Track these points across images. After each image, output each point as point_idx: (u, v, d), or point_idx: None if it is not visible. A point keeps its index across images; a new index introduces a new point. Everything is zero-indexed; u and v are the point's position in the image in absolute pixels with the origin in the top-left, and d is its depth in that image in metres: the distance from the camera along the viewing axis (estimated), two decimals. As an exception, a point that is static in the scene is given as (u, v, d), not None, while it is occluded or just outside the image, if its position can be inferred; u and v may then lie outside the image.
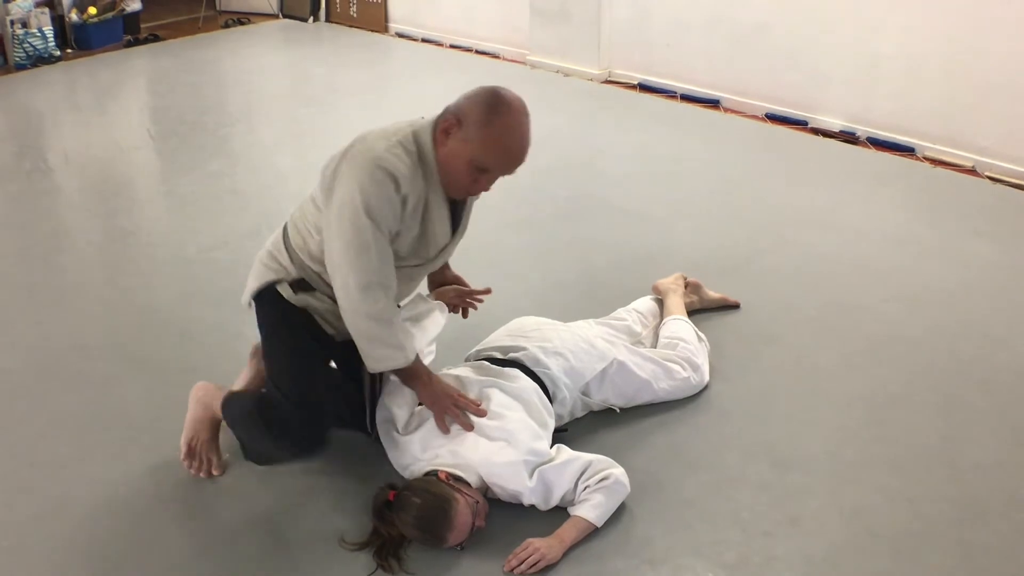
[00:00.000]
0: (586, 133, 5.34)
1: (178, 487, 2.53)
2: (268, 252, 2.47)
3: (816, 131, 5.38)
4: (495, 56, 6.86)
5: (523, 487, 2.28)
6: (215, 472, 2.52)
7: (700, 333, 3.03)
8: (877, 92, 5.14)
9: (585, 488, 2.30)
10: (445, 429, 2.36)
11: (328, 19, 7.94)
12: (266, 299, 2.42)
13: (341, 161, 2.22)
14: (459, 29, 7.12)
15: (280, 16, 8.13)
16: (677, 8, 5.86)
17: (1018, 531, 2.36)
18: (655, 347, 2.98)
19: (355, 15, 7.70)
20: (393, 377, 2.49)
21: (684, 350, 2.89)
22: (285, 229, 2.45)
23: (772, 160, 4.96)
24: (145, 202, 4.64)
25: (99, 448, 2.70)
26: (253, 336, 2.59)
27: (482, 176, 2.24)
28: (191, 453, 2.52)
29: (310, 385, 2.37)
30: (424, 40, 7.32)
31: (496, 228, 3.98)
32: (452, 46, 7.15)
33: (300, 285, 2.40)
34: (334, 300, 2.33)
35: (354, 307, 2.25)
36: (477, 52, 6.95)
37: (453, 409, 2.37)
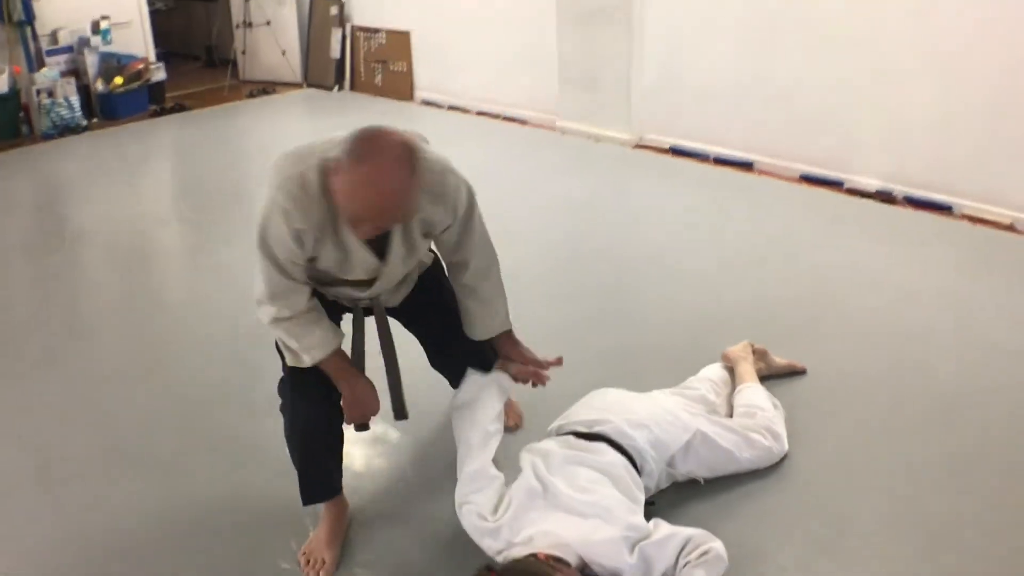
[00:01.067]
0: (623, 198, 5.41)
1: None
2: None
3: (852, 191, 5.45)
4: (523, 122, 6.97)
5: (624, 564, 2.24)
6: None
7: (775, 400, 3.04)
8: (912, 150, 5.20)
9: (686, 564, 2.26)
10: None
11: (353, 88, 8.09)
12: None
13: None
14: (486, 96, 7.24)
15: (304, 85, 8.28)
16: (706, 72, 5.97)
17: None
18: (731, 416, 2.98)
19: (380, 84, 7.84)
20: (469, 467, 2.50)
21: (763, 418, 2.89)
22: None
23: (812, 221, 5.00)
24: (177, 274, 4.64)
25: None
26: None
27: (361, 224, 2.14)
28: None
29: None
30: (450, 107, 7.45)
31: (547, 299, 4.00)
32: (479, 113, 7.27)
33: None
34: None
35: (259, 312, 2.37)
36: (505, 119, 7.06)
37: (358, 415, 2.44)
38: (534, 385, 2.71)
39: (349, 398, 2.42)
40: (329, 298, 2.52)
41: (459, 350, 2.68)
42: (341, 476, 2.62)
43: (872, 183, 5.43)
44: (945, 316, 3.86)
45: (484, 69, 7.21)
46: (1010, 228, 4.89)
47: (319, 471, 2.55)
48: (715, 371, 3.19)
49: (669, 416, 2.70)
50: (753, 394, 3.01)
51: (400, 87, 7.69)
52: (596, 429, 2.60)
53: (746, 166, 5.89)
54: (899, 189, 5.32)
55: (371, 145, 2.07)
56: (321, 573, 2.49)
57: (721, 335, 3.47)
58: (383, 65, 7.77)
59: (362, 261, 2.32)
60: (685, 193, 5.46)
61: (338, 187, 2.08)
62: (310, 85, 8.26)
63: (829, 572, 2.44)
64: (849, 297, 4.04)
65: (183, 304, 4.22)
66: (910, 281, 4.20)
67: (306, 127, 7.19)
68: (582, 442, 2.56)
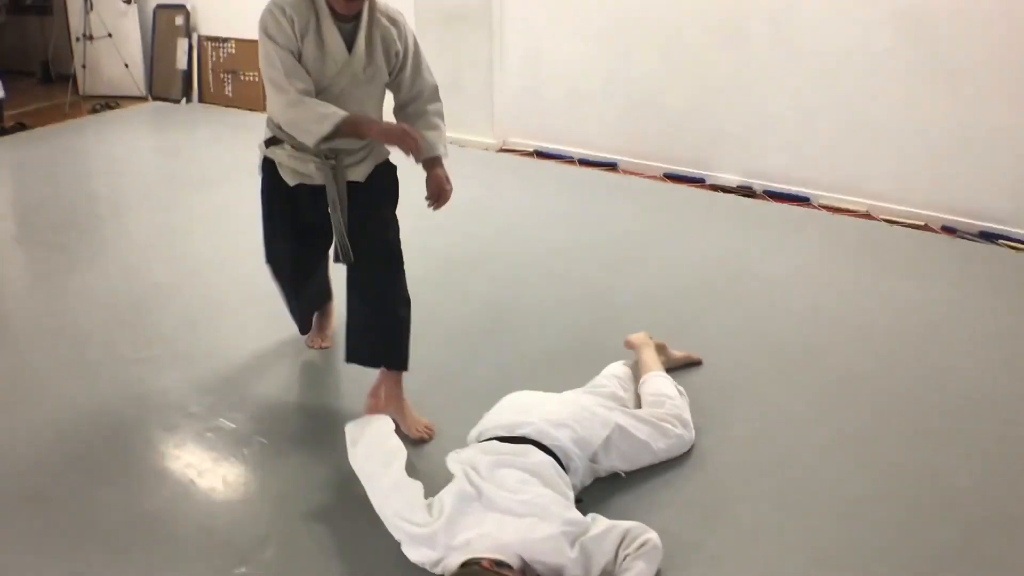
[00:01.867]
0: (496, 203, 5.28)
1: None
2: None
3: (715, 187, 5.55)
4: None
5: (566, 559, 2.17)
6: None
7: (680, 387, 3.01)
8: (771, 146, 5.36)
9: (626, 557, 2.21)
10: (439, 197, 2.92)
11: (201, 100, 7.71)
12: (263, 170, 3.07)
13: None
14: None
15: (149, 99, 7.84)
16: (569, 76, 5.98)
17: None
18: (640, 407, 2.92)
19: (230, 94, 7.50)
20: (384, 486, 2.44)
21: (671, 407, 2.86)
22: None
23: (682, 218, 5.05)
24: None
25: None
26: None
27: None
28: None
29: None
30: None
31: (436, 309, 3.83)
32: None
33: (271, 141, 2.99)
34: (293, 147, 2.91)
35: (277, 108, 2.77)
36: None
37: (408, 137, 2.74)
38: (436, 205, 3.01)
39: (388, 129, 2.81)
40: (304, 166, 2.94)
41: (367, 246, 2.95)
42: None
43: (733, 179, 5.56)
44: (820, 300, 3.95)
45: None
46: (867, 216, 5.09)
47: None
48: (618, 368, 3.13)
49: (587, 413, 2.65)
50: (660, 383, 2.98)
51: (252, 97, 7.36)
52: (519, 432, 2.53)
53: (611, 166, 5.93)
54: (759, 183, 5.47)
55: None
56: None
57: (615, 334, 3.43)
58: (233, 75, 7.44)
59: (335, 52, 2.78)
60: (555, 195, 5.41)
61: None
62: (156, 98, 7.82)
63: (764, 555, 2.43)
64: (728, 288, 4.09)
65: (51, 331, 3.84)
66: (781, 269, 4.29)
67: (153, 142, 6.80)
68: (507, 446, 2.48)
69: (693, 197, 5.44)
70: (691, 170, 5.66)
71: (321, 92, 2.80)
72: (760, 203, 5.32)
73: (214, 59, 7.51)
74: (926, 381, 3.29)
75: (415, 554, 2.28)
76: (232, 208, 5.08)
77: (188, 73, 7.68)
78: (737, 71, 5.34)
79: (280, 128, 2.90)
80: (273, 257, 3.25)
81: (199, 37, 7.63)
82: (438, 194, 2.98)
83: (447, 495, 2.33)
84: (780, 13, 5.10)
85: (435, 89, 3.04)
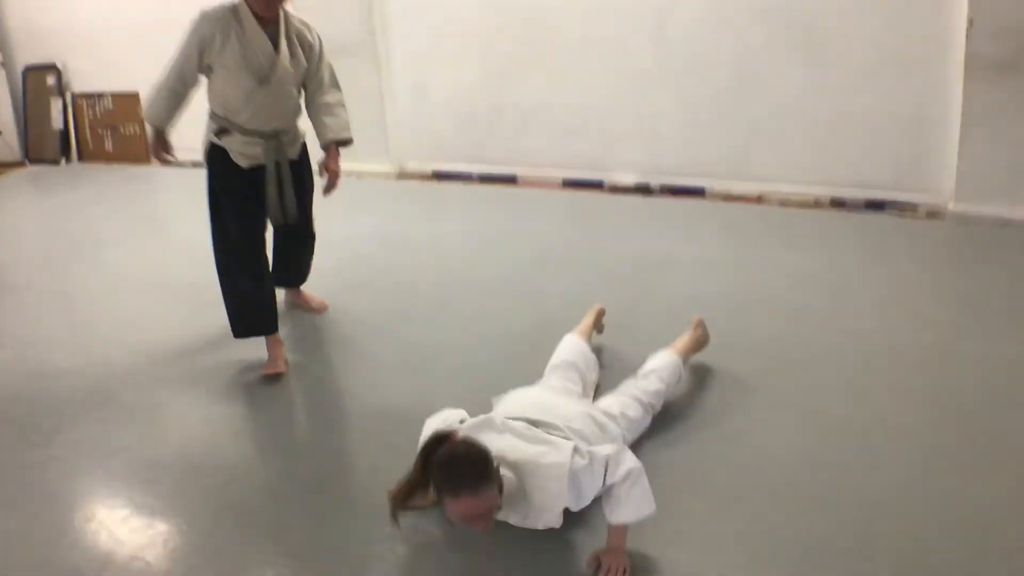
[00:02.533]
0: (408, 228, 5.28)
1: None
2: (206, 124, 3.51)
3: (613, 188, 5.72)
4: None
5: (564, 488, 2.30)
6: None
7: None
8: (662, 143, 5.54)
9: (613, 485, 2.32)
10: None
11: (81, 158, 7.49)
12: (208, 159, 3.51)
13: None
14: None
15: (26, 163, 7.56)
16: (459, 99, 6.07)
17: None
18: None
19: (111, 150, 7.31)
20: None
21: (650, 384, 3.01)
22: (209, 109, 3.48)
23: (581, 220, 5.20)
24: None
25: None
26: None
27: None
28: None
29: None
30: (196, 164, 6.97)
31: (375, 333, 3.89)
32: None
33: (221, 132, 3.44)
34: (241, 133, 3.41)
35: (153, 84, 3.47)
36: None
37: (161, 158, 3.61)
38: (325, 191, 3.69)
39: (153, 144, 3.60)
40: (252, 145, 3.44)
41: (297, 228, 3.74)
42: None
43: (629, 179, 5.74)
44: (729, 283, 4.13)
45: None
46: (758, 200, 5.32)
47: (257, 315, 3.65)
48: (569, 350, 3.15)
49: (595, 428, 2.65)
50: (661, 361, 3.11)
51: (135, 151, 7.19)
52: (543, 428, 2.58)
53: (510, 180, 6.03)
54: (655, 180, 5.66)
55: None
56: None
57: (557, 337, 3.40)
58: (113, 130, 7.25)
59: (260, 46, 3.32)
60: (462, 213, 5.50)
61: None
62: (33, 161, 7.54)
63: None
64: (653, 280, 4.22)
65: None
66: (687, 258, 4.46)
67: (35, 208, 6.53)
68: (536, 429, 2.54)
69: (593, 200, 5.61)
70: (589, 174, 5.82)
71: (262, 85, 3.36)
72: (658, 199, 5.51)
73: (91, 115, 7.31)
74: (842, 341, 3.49)
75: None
76: (129, 272, 4.89)
77: (65, 132, 7.45)
78: (622, 75, 5.52)
79: (228, 119, 3.42)
80: (227, 242, 3.53)
81: (73, 95, 7.42)
82: (331, 179, 3.68)
83: (471, 420, 2.59)
84: (658, 15, 5.31)
85: (335, 80, 3.70)
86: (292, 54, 3.44)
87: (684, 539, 2.46)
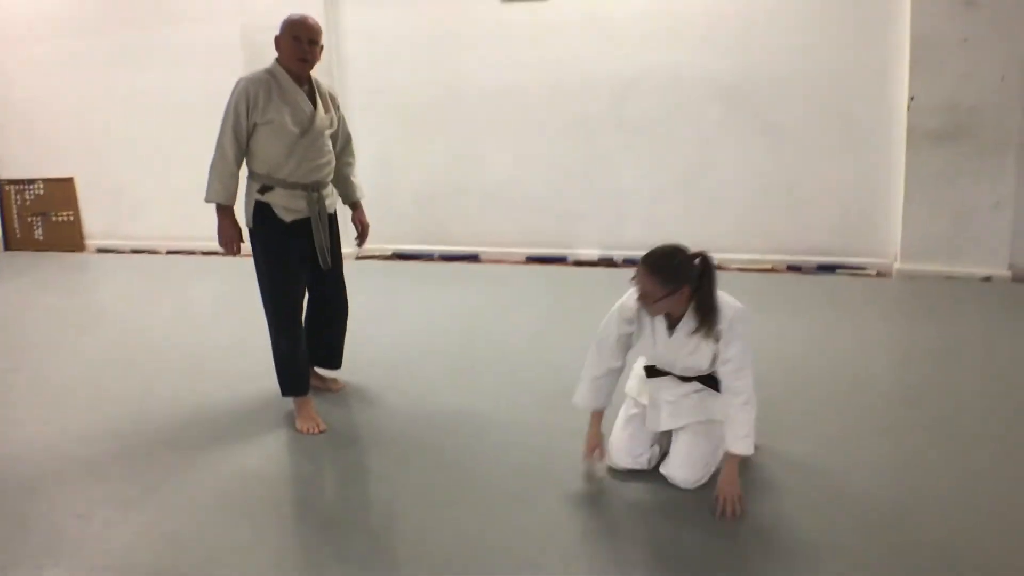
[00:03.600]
0: (373, 307, 5.24)
1: None
2: (245, 193, 3.49)
3: (578, 263, 5.94)
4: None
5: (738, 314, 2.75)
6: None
7: None
8: (626, 219, 5.85)
9: (739, 391, 2.71)
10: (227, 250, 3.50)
11: (8, 247, 7.14)
12: (256, 219, 3.48)
13: None
14: (178, 233, 6.78)
15: (-60, 256, 7.13)
16: (422, 181, 6.24)
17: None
18: None
19: (41, 237, 7.00)
20: None
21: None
22: (248, 172, 3.50)
23: (544, 292, 5.35)
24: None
25: None
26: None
27: (300, 43, 3.40)
28: None
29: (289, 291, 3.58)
30: (134, 251, 6.87)
31: (380, 408, 3.86)
32: (171, 252, 6.78)
33: (265, 189, 3.48)
34: (285, 188, 3.47)
35: (214, 155, 3.45)
36: (204, 253, 6.66)
37: (229, 250, 3.51)
38: (359, 242, 3.86)
39: (223, 228, 3.48)
40: (298, 198, 3.49)
41: (331, 278, 3.75)
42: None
43: (593, 252, 5.98)
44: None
45: (171, 205, 6.78)
46: (720, 267, 5.60)
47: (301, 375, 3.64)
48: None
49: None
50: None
51: (67, 238, 6.92)
52: None
53: (472, 258, 6.17)
54: (618, 253, 5.93)
55: (290, 14, 3.49)
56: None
57: (555, 405, 3.48)
58: (43, 217, 6.97)
59: (300, 103, 3.46)
60: (421, 289, 5.52)
61: (283, 31, 3.40)
62: (-54, 254, 7.13)
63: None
64: None
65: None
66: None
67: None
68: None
69: (559, 275, 5.79)
70: (552, 251, 6.03)
71: (303, 136, 3.48)
72: (621, 270, 5.75)
73: (19, 202, 7.01)
74: (838, 391, 3.67)
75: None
76: (67, 376, 4.32)
77: (-13, 222, 7.11)
78: (585, 154, 5.85)
79: (271, 176, 3.50)
80: (281, 295, 3.58)
81: (1, 181, 7.11)
82: (364, 231, 3.88)
83: None
84: (618, 97, 5.69)
85: (351, 142, 3.86)
86: (326, 109, 3.62)
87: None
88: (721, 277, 3.35)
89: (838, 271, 5.53)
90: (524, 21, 5.79)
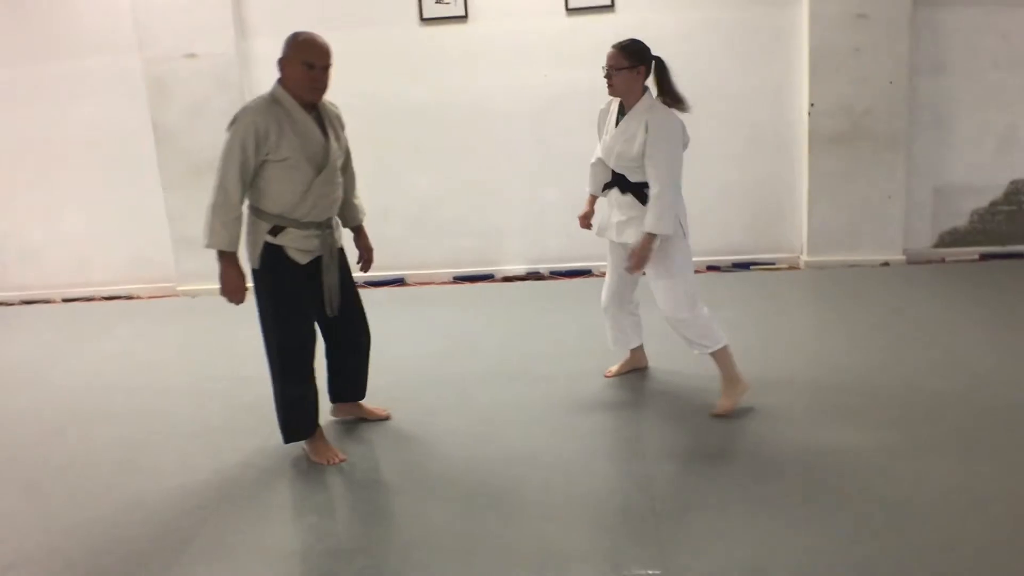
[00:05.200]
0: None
1: None
2: (248, 230, 3.30)
3: (506, 279, 6.08)
4: (131, 297, 6.28)
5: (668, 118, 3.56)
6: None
7: None
8: (549, 233, 6.03)
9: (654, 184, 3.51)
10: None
11: None
12: (265, 262, 3.29)
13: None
14: (73, 280, 6.36)
15: None
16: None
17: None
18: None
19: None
20: None
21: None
22: (251, 207, 3.30)
23: (474, 310, 5.44)
24: None
25: None
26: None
27: (312, 70, 3.23)
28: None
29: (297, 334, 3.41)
30: (25, 302, 6.35)
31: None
32: (67, 300, 6.32)
33: (276, 230, 3.28)
34: (299, 228, 3.28)
35: (212, 193, 3.18)
36: (105, 299, 6.28)
37: (234, 299, 3.28)
38: (364, 268, 3.72)
39: (225, 281, 3.26)
40: (312, 232, 3.32)
41: (347, 300, 3.58)
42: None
43: (520, 268, 6.13)
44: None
45: (67, 251, 6.36)
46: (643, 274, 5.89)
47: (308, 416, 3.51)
48: None
49: None
50: None
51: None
52: None
53: (398, 282, 6.15)
54: (544, 267, 6.11)
55: (292, 34, 3.28)
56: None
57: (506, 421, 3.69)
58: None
59: (313, 135, 3.26)
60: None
61: (292, 54, 3.21)
62: None
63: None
64: (542, 353, 4.52)
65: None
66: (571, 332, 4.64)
67: None
68: None
69: (485, 291, 5.90)
70: (479, 269, 6.11)
71: (319, 174, 3.28)
72: (548, 283, 5.93)
73: None
74: (770, 373, 4.05)
75: None
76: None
77: None
78: (507, 173, 6.00)
79: (283, 216, 3.28)
80: (291, 342, 3.39)
81: None
82: (368, 256, 3.75)
83: None
84: (539, 117, 5.89)
85: (351, 158, 3.68)
86: (336, 136, 3.40)
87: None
88: (643, 280, 3.86)
89: (752, 267, 5.97)
90: (443, 43, 5.86)
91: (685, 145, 3.60)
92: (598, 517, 2.93)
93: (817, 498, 2.93)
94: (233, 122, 3.17)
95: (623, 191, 3.69)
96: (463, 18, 5.73)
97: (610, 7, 5.67)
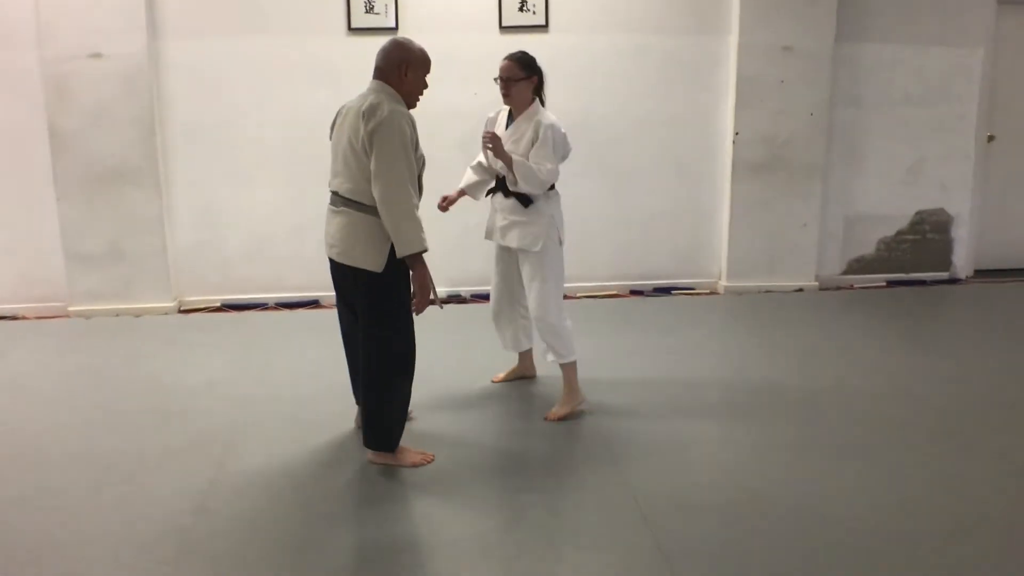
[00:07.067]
0: (256, 363, 4.85)
1: None
2: (364, 235, 3.26)
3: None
4: (14, 318, 5.70)
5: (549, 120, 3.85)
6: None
7: None
8: (471, 255, 5.79)
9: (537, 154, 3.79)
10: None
11: None
12: (393, 260, 3.27)
13: (369, 130, 3.17)
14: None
15: None
16: (252, 224, 5.86)
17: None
18: None
19: None
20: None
21: None
22: (357, 221, 3.27)
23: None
24: None
25: None
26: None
27: (426, 77, 3.46)
28: None
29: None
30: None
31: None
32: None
33: None
34: None
35: (401, 198, 3.16)
36: (4, 319, 5.68)
37: (422, 304, 3.33)
38: (416, 311, 3.44)
39: (430, 285, 3.33)
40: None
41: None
42: None
43: (441, 290, 5.85)
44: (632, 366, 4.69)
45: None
46: (568, 296, 5.85)
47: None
48: None
49: None
50: None
51: None
52: None
53: (312, 303, 5.86)
54: (466, 289, 5.98)
55: (410, 42, 3.41)
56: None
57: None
58: None
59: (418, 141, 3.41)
60: (257, 344, 5.09)
61: (418, 65, 3.36)
62: None
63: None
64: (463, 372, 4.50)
65: None
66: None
67: None
68: None
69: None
70: (398, 290, 5.86)
71: (422, 172, 3.42)
72: (471, 306, 5.80)
73: None
74: (684, 383, 4.28)
75: None
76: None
77: None
78: (432, 196, 5.64)
79: None
80: (413, 340, 3.45)
81: None
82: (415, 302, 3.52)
83: None
84: (468, 137, 5.63)
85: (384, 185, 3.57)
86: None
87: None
88: (570, 304, 3.79)
89: (673, 292, 6.03)
90: (371, 55, 5.53)
91: (565, 156, 3.92)
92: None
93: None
94: (383, 119, 3.15)
95: (506, 195, 3.92)
96: (393, 29, 5.56)
97: (544, 27, 5.66)
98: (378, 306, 3.33)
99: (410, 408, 3.70)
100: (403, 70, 3.30)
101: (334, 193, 3.34)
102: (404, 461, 3.43)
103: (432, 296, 3.33)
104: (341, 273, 3.38)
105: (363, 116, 3.18)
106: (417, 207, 3.20)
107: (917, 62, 6.00)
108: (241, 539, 2.89)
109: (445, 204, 4.19)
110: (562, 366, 3.91)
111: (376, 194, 3.16)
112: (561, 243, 3.91)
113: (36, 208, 5.65)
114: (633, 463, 3.42)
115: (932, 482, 3.25)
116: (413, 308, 3.35)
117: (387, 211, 3.14)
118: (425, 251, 3.22)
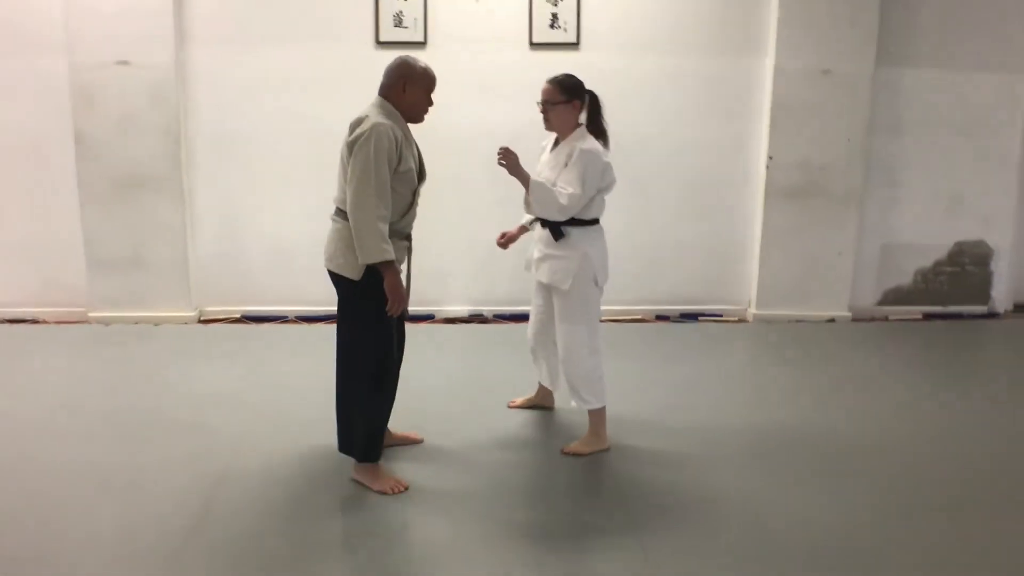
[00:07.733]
0: (272, 379, 4.81)
1: None
2: (346, 243, 3.29)
3: (448, 320, 5.82)
4: (35, 321, 5.71)
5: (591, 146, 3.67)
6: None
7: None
8: (497, 274, 5.81)
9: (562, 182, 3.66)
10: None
11: None
12: (373, 272, 3.26)
13: (349, 142, 3.25)
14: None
15: None
16: (274, 235, 5.81)
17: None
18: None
19: None
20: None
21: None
22: (341, 229, 3.34)
23: (431, 349, 5.17)
24: None
25: None
26: None
27: (430, 95, 3.47)
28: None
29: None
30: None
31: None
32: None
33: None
34: (399, 238, 3.38)
35: (368, 212, 3.16)
36: (7, 322, 5.68)
37: (395, 306, 3.29)
38: (391, 314, 3.40)
39: (399, 291, 3.29)
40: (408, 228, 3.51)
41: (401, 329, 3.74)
42: None
43: (463, 309, 5.87)
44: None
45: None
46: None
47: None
48: None
49: None
50: None
51: None
52: None
53: (332, 318, 5.67)
54: (488, 309, 5.88)
55: (413, 60, 3.42)
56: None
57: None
58: None
59: (416, 149, 3.46)
60: (277, 358, 5.04)
61: (419, 81, 3.37)
62: None
63: None
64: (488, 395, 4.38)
65: None
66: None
67: None
68: None
69: (427, 331, 5.60)
70: (419, 308, 5.77)
71: (420, 185, 3.49)
72: (493, 326, 5.70)
73: None
74: (708, 422, 4.07)
75: None
76: None
77: None
78: (458, 212, 5.77)
79: (391, 226, 3.30)
80: (387, 354, 3.43)
81: None
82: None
83: None
84: (493, 153, 5.35)
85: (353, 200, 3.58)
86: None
87: None
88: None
89: (700, 319, 5.88)
90: None
91: (608, 187, 3.74)
92: None
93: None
94: (364, 132, 3.18)
95: (543, 225, 3.77)
96: (422, 44, 5.51)
97: (575, 45, 5.57)
98: (353, 314, 3.40)
99: (418, 433, 3.72)
100: (402, 86, 3.36)
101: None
102: (374, 485, 3.38)
103: (403, 301, 3.33)
104: (335, 281, 3.42)
105: (349, 128, 3.26)
106: (384, 218, 3.19)
107: (961, 88, 5.82)
108: (235, 556, 2.80)
109: (504, 241, 4.08)
110: (588, 412, 3.71)
111: (347, 203, 3.23)
112: (597, 283, 3.72)
113: (59, 213, 5.65)
114: (650, 522, 3.15)
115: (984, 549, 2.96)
116: (388, 311, 3.30)
117: (352, 219, 3.20)
118: (388, 261, 3.19)
